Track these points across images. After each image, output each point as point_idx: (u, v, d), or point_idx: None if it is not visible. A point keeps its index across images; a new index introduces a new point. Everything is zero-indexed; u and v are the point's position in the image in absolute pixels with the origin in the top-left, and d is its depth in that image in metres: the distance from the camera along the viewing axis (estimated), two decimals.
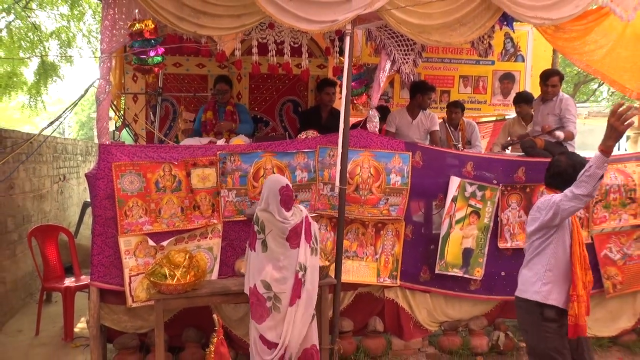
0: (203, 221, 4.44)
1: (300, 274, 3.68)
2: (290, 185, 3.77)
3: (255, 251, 3.71)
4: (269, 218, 3.65)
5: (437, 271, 4.85)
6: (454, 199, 4.81)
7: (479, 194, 4.88)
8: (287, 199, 3.67)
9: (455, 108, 6.30)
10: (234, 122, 5.87)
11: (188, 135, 5.81)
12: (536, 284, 3.45)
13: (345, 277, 4.68)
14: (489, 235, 4.96)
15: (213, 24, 4.23)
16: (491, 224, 4.95)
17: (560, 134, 5.26)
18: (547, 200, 3.41)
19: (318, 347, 3.88)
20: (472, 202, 4.88)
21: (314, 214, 4.65)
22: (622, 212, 5.14)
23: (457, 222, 4.86)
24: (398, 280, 4.86)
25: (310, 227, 3.79)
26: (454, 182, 4.81)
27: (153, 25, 4.25)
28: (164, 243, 4.33)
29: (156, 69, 4.38)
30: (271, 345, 3.63)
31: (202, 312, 4.44)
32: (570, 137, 5.35)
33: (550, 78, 5.52)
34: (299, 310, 3.68)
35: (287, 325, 3.62)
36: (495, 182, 4.94)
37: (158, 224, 4.34)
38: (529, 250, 3.57)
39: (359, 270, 4.80)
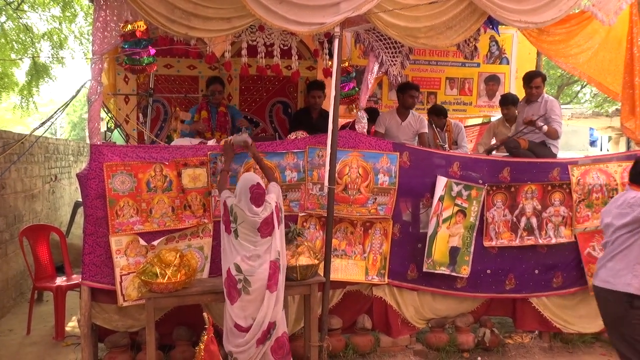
0: (194, 221, 4.43)
1: (278, 261, 3.88)
2: (262, 184, 3.90)
3: (231, 234, 3.88)
4: (240, 212, 3.81)
5: (424, 269, 4.87)
6: (441, 199, 4.82)
7: (465, 193, 4.90)
8: (257, 197, 3.82)
9: (431, 115, 6.27)
10: (226, 123, 5.86)
11: (186, 135, 5.77)
12: (626, 276, 3.51)
13: (334, 276, 4.69)
14: (474, 234, 4.98)
15: (204, 26, 4.22)
16: (477, 223, 4.98)
17: (544, 126, 5.29)
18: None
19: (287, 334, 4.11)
20: (459, 202, 4.90)
21: (303, 214, 4.66)
22: None
23: (444, 221, 4.88)
24: (386, 278, 4.87)
25: (280, 213, 3.98)
26: (441, 181, 4.83)
27: (145, 27, 4.24)
28: (155, 242, 4.31)
29: (148, 69, 4.36)
30: (242, 330, 3.79)
31: (192, 311, 4.42)
32: (555, 135, 5.38)
33: (533, 80, 5.55)
34: (279, 295, 3.90)
35: (266, 309, 3.80)
36: (481, 181, 4.97)
37: (149, 224, 4.32)
38: (615, 244, 3.62)
39: (348, 269, 4.81)
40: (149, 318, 3.96)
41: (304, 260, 4.18)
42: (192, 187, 4.42)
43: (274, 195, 4.01)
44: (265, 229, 3.83)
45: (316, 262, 4.25)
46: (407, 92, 5.78)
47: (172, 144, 4.96)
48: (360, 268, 4.84)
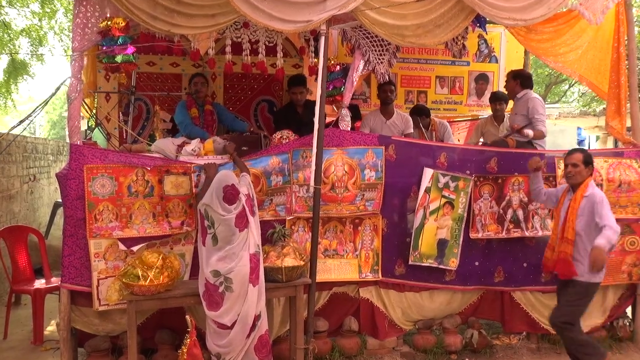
0: (175, 228, 4.39)
1: (258, 254, 3.96)
2: (238, 186, 3.93)
3: (205, 246, 3.89)
4: (214, 214, 3.84)
5: (410, 262, 4.90)
6: (427, 190, 4.87)
7: (452, 184, 4.94)
8: (230, 197, 3.85)
9: (414, 116, 6.28)
10: (213, 122, 5.83)
11: (176, 135, 5.70)
12: None
13: (327, 276, 4.75)
14: (463, 226, 5.03)
15: (187, 22, 4.20)
16: (465, 215, 5.02)
17: (529, 132, 5.33)
18: None
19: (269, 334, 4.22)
20: (446, 193, 4.94)
21: (290, 217, 4.66)
22: None
23: (432, 213, 4.92)
24: (380, 274, 4.90)
25: (252, 202, 4.07)
26: (427, 173, 4.88)
27: (124, 23, 4.19)
28: (135, 248, 4.26)
29: (125, 68, 4.31)
30: (226, 328, 3.84)
31: (175, 314, 4.39)
32: (540, 136, 5.42)
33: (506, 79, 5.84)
34: (260, 288, 3.98)
35: (250, 304, 3.86)
36: (468, 172, 5.01)
37: (129, 230, 4.28)
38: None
39: (341, 268, 4.84)
40: (131, 321, 3.93)
41: (289, 261, 4.18)
42: (174, 194, 4.38)
43: (244, 187, 4.07)
44: (241, 222, 3.89)
45: (302, 263, 4.25)
46: (381, 88, 5.83)
47: (155, 144, 4.92)
48: (353, 266, 4.87)
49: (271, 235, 4.33)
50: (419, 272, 4.99)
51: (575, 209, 4.23)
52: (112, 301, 4.25)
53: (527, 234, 5.13)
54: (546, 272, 4.59)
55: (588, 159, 4.31)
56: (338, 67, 5.09)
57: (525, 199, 5.12)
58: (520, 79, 5.68)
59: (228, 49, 4.73)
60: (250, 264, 3.88)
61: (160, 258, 4.01)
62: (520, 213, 5.13)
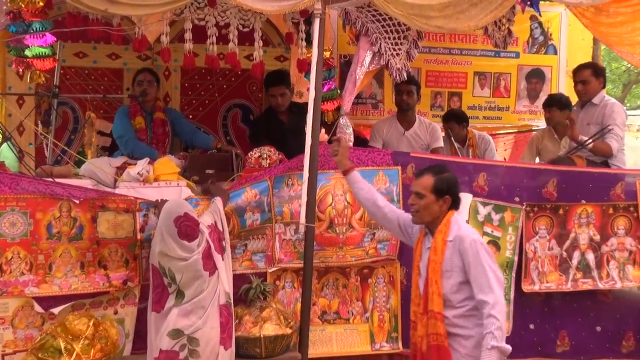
0: (111, 283, 4.36)
1: (230, 306, 4.00)
2: (193, 214, 3.92)
3: (163, 309, 3.87)
4: (173, 264, 3.82)
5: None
6: None
7: (495, 217, 4.96)
8: (186, 230, 3.83)
9: (448, 123, 6.35)
10: (165, 135, 5.88)
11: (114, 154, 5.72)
12: None
13: (326, 349, 4.74)
14: (513, 274, 5.01)
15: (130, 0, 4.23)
16: (516, 259, 5.01)
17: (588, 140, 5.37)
18: None
19: None
20: (488, 229, 4.95)
21: (274, 269, 4.66)
22: None
23: None
24: (400, 344, 4.89)
25: (221, 235, 4.13)
26: (466, 199, 4.82)
27: (41, 4, 4.22)
28: (56, 310, 4.23)
29: (38, 66, 4.32)
30: None
31: None
32: (607, 151, 5.46)
33: (579, 72, 5.72)
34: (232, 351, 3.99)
35: None
36: (517, 200, 5.01)
37: (47, 285, 4.24)
38: None
39: (345, 337, 4.83)
40: None
41: (270, 328, 4.18)
42: (112, 237, 4.38)
43: (207, 217, 4.10)
44: (209, 264, 3.91)
45: (288, 331, 4.24)
46: (397, 88, 5.90)
47: (85, 166, 4.92)
48: (363, 334, 4.86)
49: (246, 293, 4.32)
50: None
51: (438, 264, 3.70)
52: None
53: (600, 286, 5.11)
54: None
55: (440, 185, 3.75)
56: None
57: (598, 237, 5.12)
58: (603, 77, 5.71)
59: (187, 35, 4.77)
60: (220, 319, 3.89)
61: (91, 325, 3.99)
62: (590, 257, 5.11)
